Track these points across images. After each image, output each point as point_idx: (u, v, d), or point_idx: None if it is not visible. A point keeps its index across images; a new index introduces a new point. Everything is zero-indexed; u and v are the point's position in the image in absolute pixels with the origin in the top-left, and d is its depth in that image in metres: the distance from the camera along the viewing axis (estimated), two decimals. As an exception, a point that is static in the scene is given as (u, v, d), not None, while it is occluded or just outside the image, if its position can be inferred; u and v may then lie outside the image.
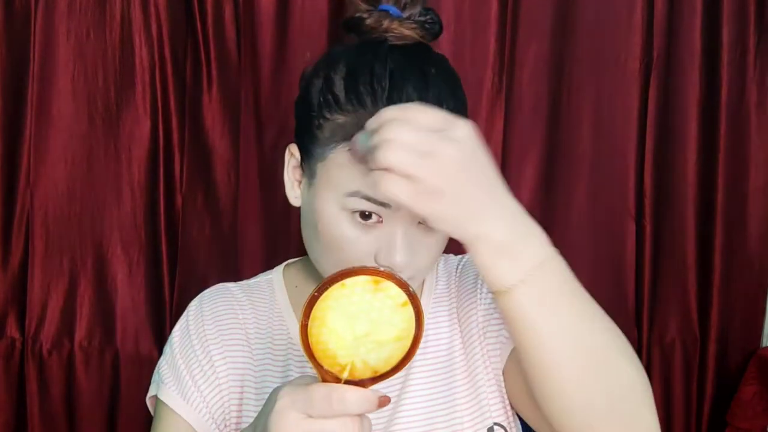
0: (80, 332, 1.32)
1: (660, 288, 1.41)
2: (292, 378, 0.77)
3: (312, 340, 0.63)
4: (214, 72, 1.31)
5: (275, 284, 0.91)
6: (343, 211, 0.75)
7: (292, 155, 0.83)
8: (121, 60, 1.29)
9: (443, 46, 1.32)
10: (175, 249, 1.32)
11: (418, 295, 0.68)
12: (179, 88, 1.31)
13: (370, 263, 0.75)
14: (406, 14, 0.77)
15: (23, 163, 1.29)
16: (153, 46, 1.29)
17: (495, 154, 1.34)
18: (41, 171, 1.29)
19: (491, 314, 0.84)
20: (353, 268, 0.63)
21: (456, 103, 0.75)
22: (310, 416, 0.61)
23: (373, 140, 0.62)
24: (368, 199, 0.73)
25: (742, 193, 1.39)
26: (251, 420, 0.73)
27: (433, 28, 0.79)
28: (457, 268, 0.90)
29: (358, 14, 0.76)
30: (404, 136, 0.61)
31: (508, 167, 1.36)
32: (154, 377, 0.89)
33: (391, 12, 0.76)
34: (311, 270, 0.88)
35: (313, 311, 0.63)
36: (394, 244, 0.74)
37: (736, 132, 1.37)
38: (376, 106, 0.71)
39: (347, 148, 0.72)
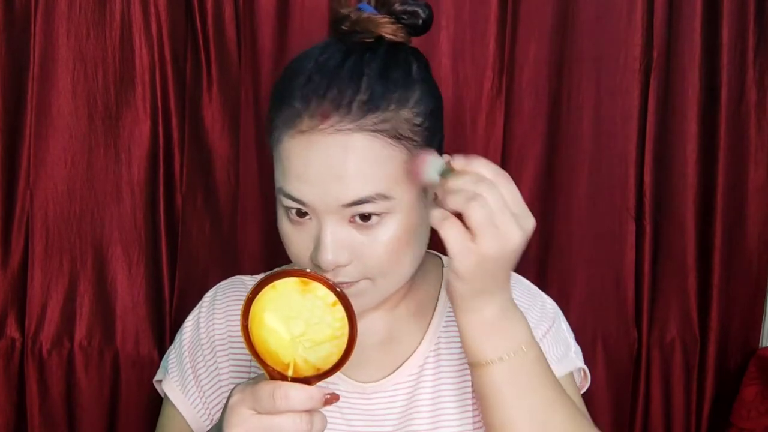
0: (80, 332, 1.32)
1: (660, 288, 1.41)
2: None
3: (255, 339, 0.66)
4: (214, 72, 1.31)
5: None
6: (282, 209, 0.77)
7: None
8: (121, 60, 1.29)
9: (443, 46, 1.32)
10: (175, 249, 1.32)
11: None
12: (179, 88, 1.31)
13: (310, 259, 0.75)
14: (382, 11, 0.77)
15: (23, 163, 1.29)
16: (153, 46, 1.29)
17: (495, 155, 1.34)
18: (41, 171, 1.29)
19: None
20: (283, 269, 0.66)
21: (379, 92, 0.73)
22: (259, 413, 0.63)
23: (456, 182, 0.66)
24: (287, 196, 0.74)
25: (742, 192, 1.39)
26: None
27: (411, 20, 0.77)
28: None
29: (338, 16, 0.77)
30: (492, 200, 0.65)
31: (507, 167, 1.35)
32: (163, 362, 0.91)
33: (364, 9, 0.76)
34: None
35: (251, 312, 0.65)
36: (321, 243, 0.74)
37: (736, 132, 1.37)
38: (290, 104, 0.73)
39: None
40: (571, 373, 0.90)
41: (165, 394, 0.90)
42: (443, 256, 0.94)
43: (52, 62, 1.28)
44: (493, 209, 0.65)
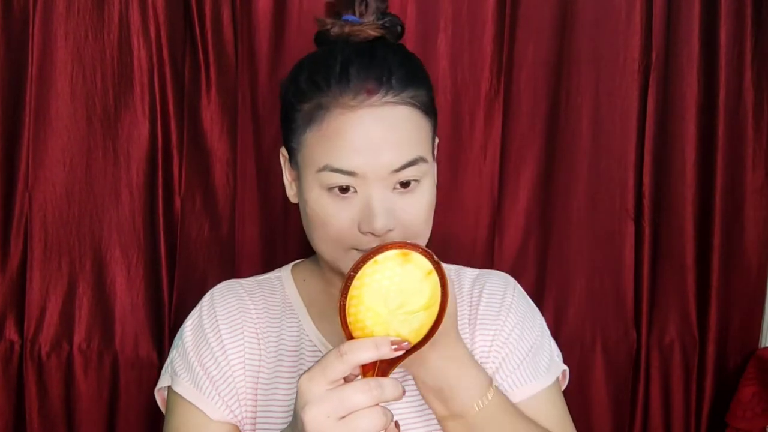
0: (79, 335, 1.32)
1: (659, 289, 1.41)
2: (305, 368, 0.79)
3: (350, 319, 0.66)
4: (212, 74, 1.31)
5: (284, 280, 0.96)
6: (321, 189, 0.82)
7: (283, 156, 0.91)
8: (120, 62, 1.29)
9: (441, 48, 1.33)
10: (174, 250, 1.32)
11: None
12: (178, 90, 1.31)
13: (354, 234, 0.81)
14: (365, 20, 0.87)
15: (21, 165, 1.29)
16: (151, 48, 1.29)
17: (493, 156, 1.34)
18: (39, 173, 1.29)
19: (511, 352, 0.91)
20: (382, 244, 0.69)
21: (406, 72, 0.84)
22: (331, 383, 0.64)
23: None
24: (335, 170, 0.80)
25: (740, 194, 1.39)
26: (266, 408, 0.82)
27: (392, 26, 0.88)
28: (475, 283, 0.96)
29: (324, 28, 0.87)
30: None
31: (506, 168, 1.36)
32: (165, 369, 0.92)
33: (351, 20, 0.87)
34: (317, 265, 0.95)
35: (349, 292, 0.67)
36: (372, 210, 0.80)
37: (734, 133, 1.37)
38: (330, 87, 0.81)
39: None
40: (557, 378, 0.94)
41: (173, 398, 0.90)
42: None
43: (51, 64, 1.28)
44: None
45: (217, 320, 0.90)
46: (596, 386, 1.40)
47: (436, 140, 0.92)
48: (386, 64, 0.83)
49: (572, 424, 0.92)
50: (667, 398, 1.43)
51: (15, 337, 1.31)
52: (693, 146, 1.38)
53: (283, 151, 0.91)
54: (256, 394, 0.88)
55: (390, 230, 0.80)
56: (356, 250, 0.82)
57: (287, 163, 0.90)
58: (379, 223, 0.79)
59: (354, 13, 0.87)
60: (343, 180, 0.80)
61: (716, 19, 1.34)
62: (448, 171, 1.34)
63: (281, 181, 1.33)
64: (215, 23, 1.29)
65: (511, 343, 0.91)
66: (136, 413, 1.33)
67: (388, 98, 0.81)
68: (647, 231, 1.37)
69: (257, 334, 0.90)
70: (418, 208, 0.83)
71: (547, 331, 0.98)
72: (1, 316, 1.31)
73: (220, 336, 0.89)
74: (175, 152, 1.31)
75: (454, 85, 1.33)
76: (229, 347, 0.89)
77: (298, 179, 0.87)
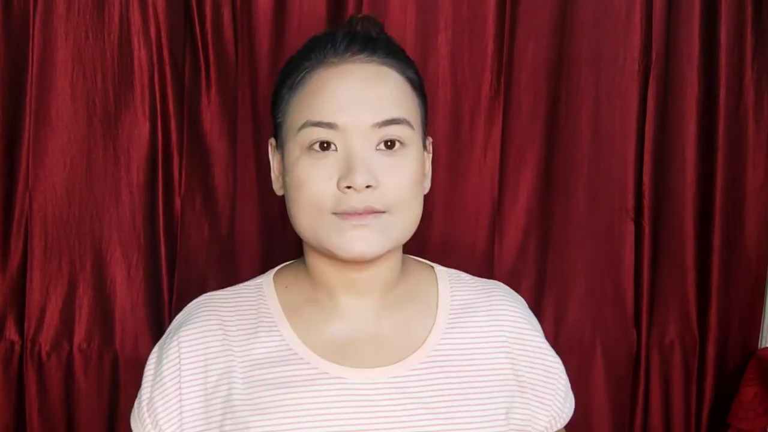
0: (79, 335, 1.32)
1: (659, 289, 1.41)
2: (289, 378, 0.79)
3: None
4: (212, 74, 1.31)
5: (264, 287, 0.93)
6: (302, 150, 0.81)
7: (271, 146, 0.91)
8: (120, 62, 1.29)
9: (441, 47, 1.33)
10: (174, 251, 1.32)
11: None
12: (178, 91, 1.31)
13: (333, 193, 0.80)
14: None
15: (22, 165, 1.29)
16: (152, 48, 1.29)
17: (493, 156, 1.34)
18: (40, 173, 1.29)
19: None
20: None
21: (393, 48, 0.87)
22: None
23: None
24: (315, 124, 0.80)
25: (740, 193, 1.39)
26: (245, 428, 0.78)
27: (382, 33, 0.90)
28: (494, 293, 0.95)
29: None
30: None
31: (506, 168, 1.36)
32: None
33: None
34: (301, 270, 0.93)
35: None
36: (351, 163, 0.79)
37: (734, 133, 1.37)
38: (314, 52, 0.84)
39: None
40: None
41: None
42: (434, 264, 0.98)
43: (51, 65, 1.28)
44: None
45: (180, 353, 0.87)
46: (596, 386, 1.39)
47: (429, 139, 0.91)
48: (372, 37, 0.86)
49: None
50: (667, 398, 1.42)
51: (15, 337, 1.32)
52: (693, 146, 1.38)
53: (272, 140, 0.91)
54: (223, 417, 0.84)
55: (370, 187, 0.79)
56: (335, 214, 0.80)
57: (275, 153, 0.90)
58: (359, 176, 0.78)
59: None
60: (322, 134, 0.80)
61: (717, 19, 1.34)
62: (447, 171, 1.33)
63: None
64: (215, 23, 1.29)
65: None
66: (136, 413, 1.33)
67: (374, 59, 0.83)
68: (647, 231, 1.37)
69: (229, 346, 0.87)
70: (401, 172, 0.81)
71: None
72: (1, 316, 1.31)
73: (181, 373, 0.86)
74: (175, 152, 1.31)
75: (454, 85, 1.33)
76: (186, 385, 0.86)
77: (283, 161, 0.86)
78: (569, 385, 0.97)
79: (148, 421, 0.86)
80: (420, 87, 0.88)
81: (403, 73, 0.85)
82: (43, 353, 1.31)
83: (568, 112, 1.36)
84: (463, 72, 1.33)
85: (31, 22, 1.26)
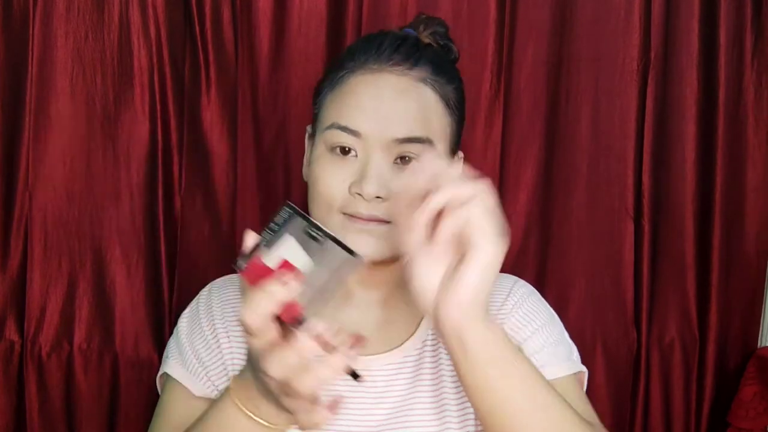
0: (79, 334, 1.32)
1: (658, 288, 1.41)
2: None
3: None
4: (212, 74, 1.31)
5: None
6: (325, 149, 0.83)
7: (307, 133, 0.92)
8: (120, 62, 1.29)
9: (441, 47, 1.32)
10: (174, 250, 1.32)
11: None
12: (178, 90, 1.31)
13: (342, 194, 0.81)
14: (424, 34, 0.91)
15: (22, 165, 1.29)
16: (152, 48, 1.29)
17: (493, 156, 1.34)
18: (40, 173, 1.29)
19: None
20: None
21: (439, 61, 0.87)
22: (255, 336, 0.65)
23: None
24: (341, 128, 0.81)
25: (740, 192, 1.39)
26: None
27: (446, 46, 0.92)
28: (510, 292, 0.96)
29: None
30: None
31: (506, 168, 1.36)
32: (164, 357, 0.93)
33: (410, 33, 0.90)
34: None
35: None
36: (366, 172, 0.80)
37: (734, 132, 1.37)
38: (360, 53, 0.84)
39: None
40: (576, 374, 0.93)
41: (165, 380, 0.92)
42: None
43: (51, 64, 1.28)
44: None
45: (212, 310, 0.92)
46: (596, 385, 1.39)
47: (460, 154, 0.91)
48: (420, 48, 0.86)
49: (596, 416, 0.89)
50: (668, 397, 1.42)
51: (15, 337, 1.31)
52: (693, 145, 1.38)
53: (308, 127, 0.92)
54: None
55: (380, 199, 0.80)
56: (343, 214, 0.82)
57: (309, 141, 0.91)
58: (370, 186, 0.79)
59: (412, 28, 0.91)
60: (346, 139, 0.81)
61: (716, 18, 1.34)
62: (447, 171, 1.33)
63: (281, 181, 1.34)
64: (215, 23, 1.29)
65: (524, 333, 0.91)
66: (137, 412, 1.33)
67: (412, 73, 0.83)
68: (647, 230, 1.37)
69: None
70: None
71: (566, 333, 0.98)
72: (1, 316, 1.31)
73: (214, 324, 0.91)
74: (175, 152, 1.31)
75: (454, 85, 1.33)
76: (221, 335, 0.90)
77: (311, 150, 0.88)
78: (571, 344, 0.97)
79: (194, 361, 0.89)
80: (457, 105, 0.88)
81: (439, 90, 0.85)
82: (43, 353, 1.31)
83: (567, 112, 1.36)
84: (462, 71, 1.32)
85: (31, 22, 1.26)
